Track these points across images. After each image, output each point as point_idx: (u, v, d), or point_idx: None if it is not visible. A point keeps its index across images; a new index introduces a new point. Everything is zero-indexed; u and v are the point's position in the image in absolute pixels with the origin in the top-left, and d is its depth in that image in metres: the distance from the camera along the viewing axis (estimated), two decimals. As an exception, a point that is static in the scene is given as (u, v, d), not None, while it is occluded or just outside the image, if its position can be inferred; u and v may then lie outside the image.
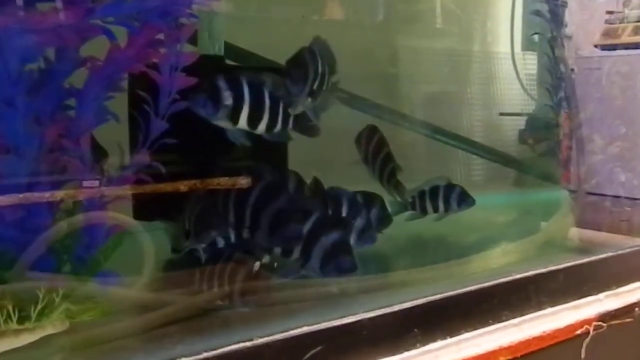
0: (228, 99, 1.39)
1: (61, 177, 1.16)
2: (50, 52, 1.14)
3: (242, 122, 1.43)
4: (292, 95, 1.45)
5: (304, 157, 1.74)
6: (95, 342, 1.07)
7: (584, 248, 1.85)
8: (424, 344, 1.24)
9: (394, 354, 1.21)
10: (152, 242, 1.33)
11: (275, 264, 1.32)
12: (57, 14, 1.10)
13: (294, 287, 1.41)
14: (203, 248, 1.42)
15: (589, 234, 1.95)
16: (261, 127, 1.48)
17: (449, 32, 2.94)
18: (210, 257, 1.36)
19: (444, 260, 1.62)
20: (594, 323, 1.44)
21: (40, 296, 1.04)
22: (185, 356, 1.00)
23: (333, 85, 1.58)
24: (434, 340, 1.26)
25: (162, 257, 1.45)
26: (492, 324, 1.35)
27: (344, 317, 1.17)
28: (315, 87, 1.47)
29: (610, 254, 1.61)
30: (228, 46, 1.72)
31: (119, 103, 1.26)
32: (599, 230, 1.93)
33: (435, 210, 1.92)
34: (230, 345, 1.04)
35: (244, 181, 1.41)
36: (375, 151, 1.87)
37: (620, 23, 2.11)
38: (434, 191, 1.92)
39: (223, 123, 1.42)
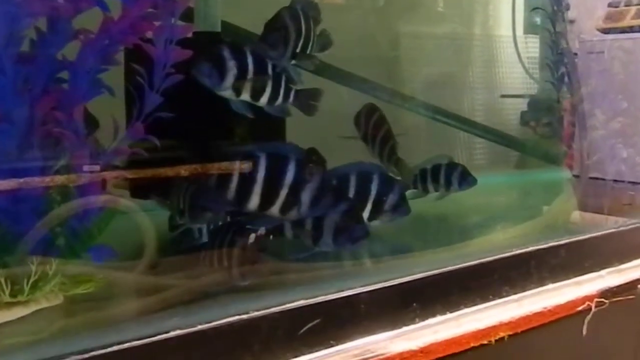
0: (232, 68, 1.38)
1: (55, 151, 1.15)
2: (42, 23, 1.12)
3: (245, 94, 1.42)
4: (273, 60, 1.40)
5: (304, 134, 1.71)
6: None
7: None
8: (423, 319, 1.23)
9: (392, 329, 1.19)
10: (151, 222, 1.33)
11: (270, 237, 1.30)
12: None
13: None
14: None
15: (592, 216, 1.93)
16: (263, 100, 1.46)
17: (450, 16, 2.91)
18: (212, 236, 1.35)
19: (442, 243, 1.60)
20: (596, 299, 1.43)
21: (33, 269, 1.03)
22: (181, 328, 0.99)
23: (320, 39, 1.53)
24: (433, 315, 1.25)
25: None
26: (493, 299, 1.34)
27: (342, 290, 1.16)
28: (299, 48, 1.42)
29: (612, 230, 1.59)
30: (225, 24, 1.70)
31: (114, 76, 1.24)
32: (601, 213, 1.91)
33: (437, 189, 1.90)
34: (225, 318, 1.03)
35: (245, 166, 1.40)
36: (375, 129, 1.85)
37: (626, 6, 2.08)
38: (435, 170, 1.90)
39: (226, 93, 1.41)
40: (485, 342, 1.25)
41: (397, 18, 2.67)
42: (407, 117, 2.32)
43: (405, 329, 1.21)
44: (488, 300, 1.33)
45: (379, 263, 1.52)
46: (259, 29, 1.68)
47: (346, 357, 1.10)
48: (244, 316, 1.04)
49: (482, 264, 1.34)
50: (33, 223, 1.08)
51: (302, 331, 1.09)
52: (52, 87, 1.12)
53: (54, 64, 1.14)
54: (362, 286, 1.18)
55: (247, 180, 1.35)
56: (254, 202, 1.33)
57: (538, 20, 2.27)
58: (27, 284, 1.02)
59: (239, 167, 1.36)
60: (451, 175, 1.88)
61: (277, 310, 1.07)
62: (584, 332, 1.42)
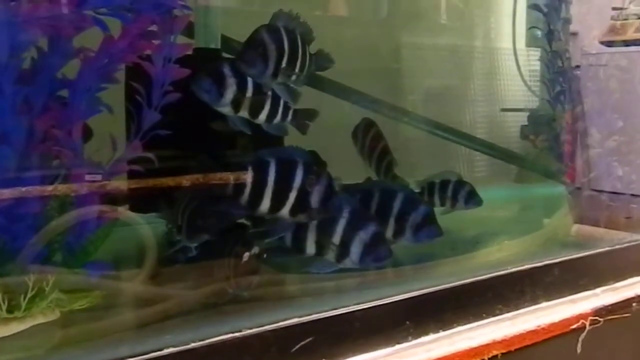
0: (232, 85, 1.39)
1: (55, 168, 1.17)
2: (43, 42, 1.14)
3: (244, 111, 1.44)
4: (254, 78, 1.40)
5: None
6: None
7: (585, 245, 1.84)
8: (416, 337, 1.24)
9: (385, 347, 1.20)
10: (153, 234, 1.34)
11: (265, 255, 1.31)
12: (49, 5, 1.10)
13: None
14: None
15: (591, 230, 1.94)
16: (261, 117, 1.48)
17: (452, 28, 2.92)
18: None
19: (445, 256, 1.61)
20: (590, 318, 1.43)
21: (30, 285, 1.04)
22: (174, 346, 1.00)
23: (318, 58, 1.53)
24: (426, 333, 1.26)
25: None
26: (486, 317, 1.34)
27: (336, 309, 1.17)
28: (284, 64, 1.41)
29: (607, 248, 1.60)
30: (225, 39, 1.72)
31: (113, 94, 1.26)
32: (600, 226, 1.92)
33: (442, 204, 1.91)
34: (219, 336, 1.04)
35: (246, 176, 1.41)
36: (372, 145, 1.86)
37: (626, 20, 2.09)
38: (443, 185, 1.91)
39: (225, 110, 1.42)
40: (479, 360, 1.25)
41: (399, 29, 2.68)
42: (406, 131, 2.33)
43: (398, 347, 1.22)
44: (481, 318, 1.33)
45: (384, 277, 1.53)
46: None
47: (339, 374, 1.12)
48: (237, 334, 1.06)
49: (476, 283, 1.35)
50: (29, 239, 1.09)
51: (295, 349, 1.10)
52: (52, 106, 1.14)
53: (54, 82, 1.15)
54: (355, 304, 1.19)
55: (245, 192, 1.37)
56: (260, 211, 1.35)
57: (539, 33, 2.27)
58: (24, 299, 1.04)
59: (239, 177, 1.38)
60: (458, 192, 1.89)
61: (270, 329, 1.09)
62: (579, 350, 1.42)
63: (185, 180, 1.37)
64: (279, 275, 1.44)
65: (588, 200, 2.03)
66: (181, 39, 1.33)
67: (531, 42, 2.73)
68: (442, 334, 1.27)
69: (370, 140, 1.87)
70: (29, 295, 1.04)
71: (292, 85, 1.49)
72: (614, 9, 2.15)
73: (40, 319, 1.08)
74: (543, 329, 1.37)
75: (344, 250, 1.40)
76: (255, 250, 1.26)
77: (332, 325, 1.15)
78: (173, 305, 1.24)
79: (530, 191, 2.48)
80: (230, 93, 1.41)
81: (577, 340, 1.42)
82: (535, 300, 1.42)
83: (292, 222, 1.38)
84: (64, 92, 1.17)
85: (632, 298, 1.53)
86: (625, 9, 2.14)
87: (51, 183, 1.14)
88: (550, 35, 1.72)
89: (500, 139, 2.62)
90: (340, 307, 1.17)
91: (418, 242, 1.59)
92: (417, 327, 1.24)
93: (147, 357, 0.98)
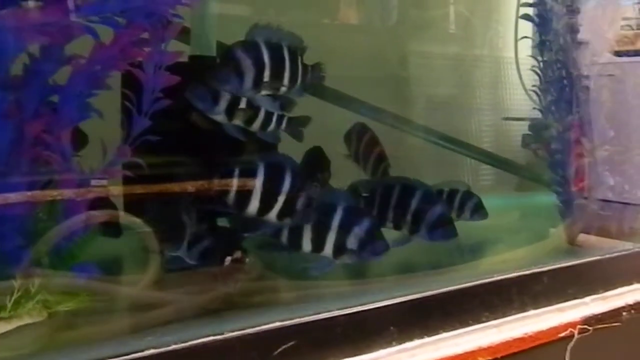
0: (226, 93, 1.41)
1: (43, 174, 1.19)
2: (35, 49, 1.17)
3: (238, 119, 1.46)
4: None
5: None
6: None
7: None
8: (400, 342, 1.25)
9: (369, 352, 1.21)
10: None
11: (247, 260, 1.33)
12: (40, 12, 1.13)
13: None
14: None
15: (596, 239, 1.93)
16: (255, 125, 1.50)
17: (460, 38, 2.94)
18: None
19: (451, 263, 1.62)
20: (579, 326, 1.43)
21: (16, 286, 1.07)
22: (155, 347, 1.02)
23: (313, 71, 1.54)
24: (410, 339, 1.26)
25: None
26: (472, 324, 1.35)
27: (318, 313, 1.18)
28: (266, 77, 1.42)
29: (598, 257, 1.60)
30: (220, 45, 1.74)
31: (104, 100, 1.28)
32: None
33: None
34: (200, 338, 1.06)
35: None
36: (367, 150, 1.87)
37: (637, 29, 2.09)
38: (451, 194, 1.91)
39: (219, 117, 1.44)
40: (463, 367, 1.26)
41: (406, 38, 2.70)
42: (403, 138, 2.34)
43: (381, 352, 1.22)
44: (467, 325, 1.34)
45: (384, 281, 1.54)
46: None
47: (320, 379, 1.13)
48: (219, 337, 1.07)
49: (462, 289, 1.35)
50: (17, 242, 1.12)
51: (276, 352, 1.11)
52: (43, 111, 1.17)
53: (45, 88, 1.18)
54: (339, 309, 1.20)
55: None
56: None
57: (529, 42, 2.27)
58: (10, 300, 1.06)
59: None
60: (465, 204, 1.89)
61: (252, 332, 1.10)
62: (567, 359, 1.42)
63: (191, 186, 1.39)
64: (278, 279, 1.47)
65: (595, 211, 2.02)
66: (175, 46, 1.36)
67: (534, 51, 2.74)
68: (426, 339, 1.28)
69: (364, 145, 1.88)
70: (14, 296, 1.06)
71: (286, 95, 1.51)
72: (625, 19, 2.15)
73: (27, 320, 1.10)
74: (530, 336, 1.37)
75: (340, 245, 1.42)
76: (237, 254, 1.28)
77: (315, 330, 1.16)
78: (170, 310, 1.26)
79: (532, 199, 2.47)
80: (224, 101, 1.44)
81: (566, 349, 1.42)
82: (523, 308, 1.42)
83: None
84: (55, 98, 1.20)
85: (622, 307, 1.52)
86: (637, 19, 2.13)
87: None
88: (541, 45, 1.73)
89: (501, 148, 2.63)
90: (323, 312, 1.18)
91: (433, 241, 1.63)
92: (401, 333, 1.25)
93: (129, 357, 1.00)
